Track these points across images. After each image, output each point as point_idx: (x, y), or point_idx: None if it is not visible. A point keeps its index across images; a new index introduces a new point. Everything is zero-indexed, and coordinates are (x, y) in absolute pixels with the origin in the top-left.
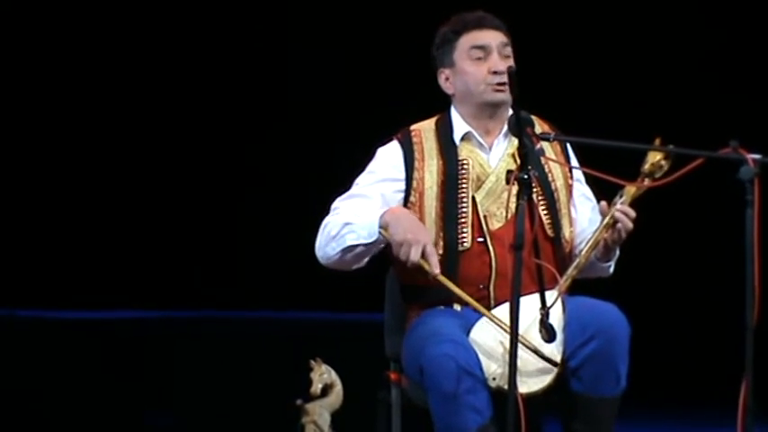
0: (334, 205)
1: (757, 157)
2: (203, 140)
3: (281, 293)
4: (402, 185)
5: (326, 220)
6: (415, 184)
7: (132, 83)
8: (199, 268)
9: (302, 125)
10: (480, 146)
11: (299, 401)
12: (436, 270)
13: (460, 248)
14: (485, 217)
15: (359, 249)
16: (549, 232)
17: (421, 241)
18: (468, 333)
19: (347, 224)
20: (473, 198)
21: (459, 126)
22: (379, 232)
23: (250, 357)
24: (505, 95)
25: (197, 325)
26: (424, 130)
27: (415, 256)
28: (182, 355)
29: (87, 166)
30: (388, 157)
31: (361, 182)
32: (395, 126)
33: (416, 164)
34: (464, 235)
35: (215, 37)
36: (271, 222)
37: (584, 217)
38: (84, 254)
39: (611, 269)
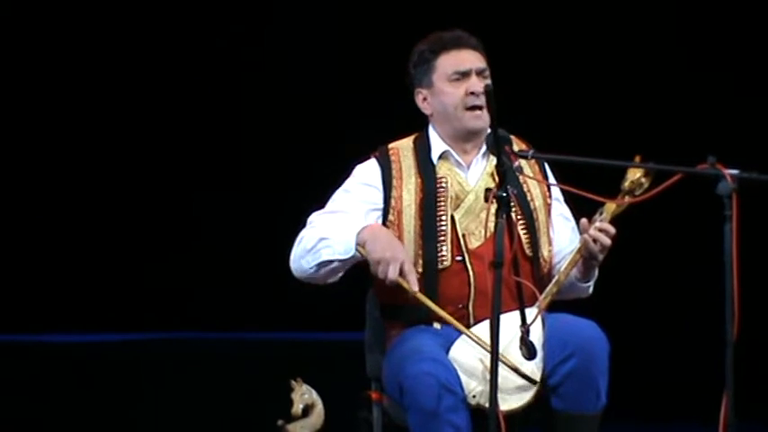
0: (310, 219)
1: (735, 172)
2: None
3: (262, 314)
4: (380, 205)
5: (302, 233)
6: (393, 202)
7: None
8: (176, 289)
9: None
10: (458, 164)
11: (280, 422)
12: (415, 288)
13: (440, 267)
14: (463, 235)
15: (334, 264)
16: (528, 251)
17: (398, 259)
18: (447, 351)
19: (323, 239)
20: (452, 216)
21: (437, 145)
22: (356, 249)
23: (230, 378)
24: (483, 122)
25: (176, 347)
26: (402, 148)
27: (392, 274)
28: (163, 377)
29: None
30: (366, 175)
31: (338, 198)
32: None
33: (394, 182)
34: (443, 253)
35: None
36: (251, 242)
37: (563, 237)
38: (55, 275)
39: (590, 290)
